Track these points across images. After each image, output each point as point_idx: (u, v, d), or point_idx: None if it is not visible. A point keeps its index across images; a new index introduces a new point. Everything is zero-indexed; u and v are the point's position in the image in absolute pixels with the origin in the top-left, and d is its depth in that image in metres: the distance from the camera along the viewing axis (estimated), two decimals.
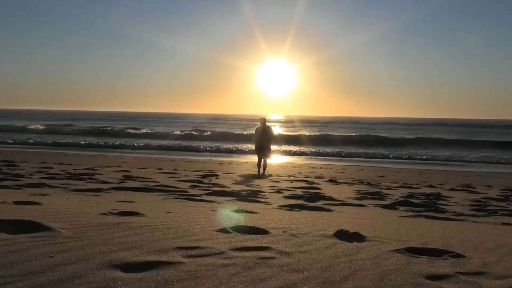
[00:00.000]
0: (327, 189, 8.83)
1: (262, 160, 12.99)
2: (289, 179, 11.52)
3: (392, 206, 6.45)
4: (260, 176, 12.20)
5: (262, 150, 13.02)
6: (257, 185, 8.99)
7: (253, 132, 14.23)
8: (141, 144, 32.70)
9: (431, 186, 11.01)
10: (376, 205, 6.59)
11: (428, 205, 6.66)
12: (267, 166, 13.35)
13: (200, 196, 6.47)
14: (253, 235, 3.26)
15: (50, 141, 33.58)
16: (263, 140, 13.01)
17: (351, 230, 3.54)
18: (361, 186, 10.07)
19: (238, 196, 6.76)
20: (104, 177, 9.01)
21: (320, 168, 18.09)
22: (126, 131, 47.50)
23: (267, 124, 13.39)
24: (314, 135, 45.14)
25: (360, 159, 27.18)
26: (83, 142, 33.63)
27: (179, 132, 45.18)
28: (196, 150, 30.82)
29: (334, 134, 45.86)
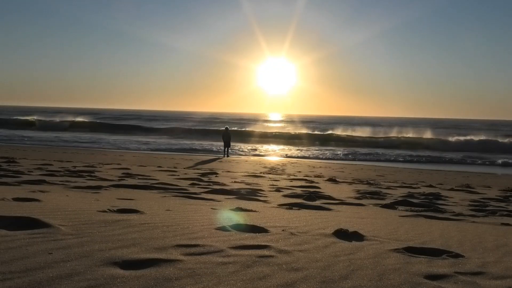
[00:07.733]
0: (327, 188, 8.83)
1: None
2: (288, 178, 11.52)
3: (391, 206, 6.45)
4: None
5: None
6: (257, 184, 8.99)
7: None
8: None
9: (430, 186, 11.02)
10: (376, 205, 6.59)
11: (428, 205, 6.66)
12: None
13: (200, 194, 6.47)
14: (252, 234, 3.26)
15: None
16: None
17: (350, 229, 3.54)
18: (361, 186, 10.07)
19: (237, 194, 6.76)
20: (104, 175, 9.00)
21: (320, 167, 18.09)
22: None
23: None
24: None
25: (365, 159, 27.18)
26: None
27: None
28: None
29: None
